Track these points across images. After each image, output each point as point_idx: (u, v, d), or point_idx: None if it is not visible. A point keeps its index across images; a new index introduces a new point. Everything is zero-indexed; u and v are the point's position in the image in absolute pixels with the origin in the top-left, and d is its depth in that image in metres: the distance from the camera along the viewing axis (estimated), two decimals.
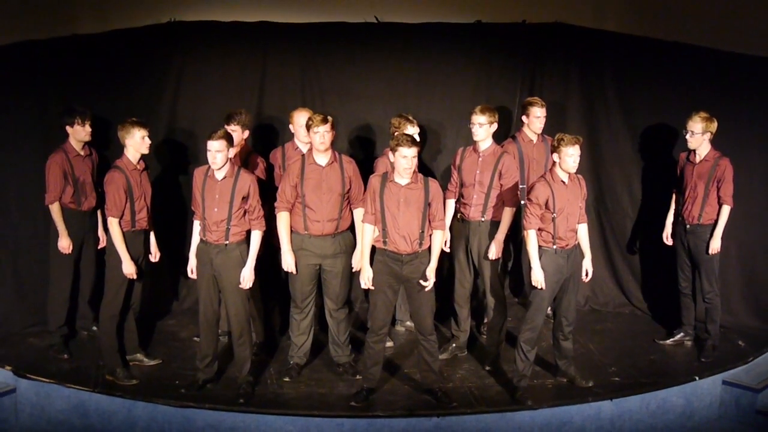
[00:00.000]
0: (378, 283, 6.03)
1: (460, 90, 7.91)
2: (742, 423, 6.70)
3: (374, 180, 6.04)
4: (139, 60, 7.50)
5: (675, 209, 7.07)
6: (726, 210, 6.77)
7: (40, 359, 6.67)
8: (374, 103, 7.86)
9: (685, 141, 6.90)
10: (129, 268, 6.30)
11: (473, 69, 7.90)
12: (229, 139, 6.03)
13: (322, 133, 6.19)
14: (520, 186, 6.93)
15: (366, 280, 6.05)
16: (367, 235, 6.05)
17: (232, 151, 6.16)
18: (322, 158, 6.30)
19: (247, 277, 6.13)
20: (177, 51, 7.62)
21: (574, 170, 6.05)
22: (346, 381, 6.53)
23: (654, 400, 6.52)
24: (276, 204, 6.41)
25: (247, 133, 6.86)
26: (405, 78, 7.87)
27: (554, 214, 6.03)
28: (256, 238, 6.17)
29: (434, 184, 6.03)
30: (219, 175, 6.06)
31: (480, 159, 6.59)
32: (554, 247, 6.10)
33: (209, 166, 6.08)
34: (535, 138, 7.18)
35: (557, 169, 6.06)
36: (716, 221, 6.79)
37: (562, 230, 6.08)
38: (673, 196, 7.10)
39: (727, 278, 7.40)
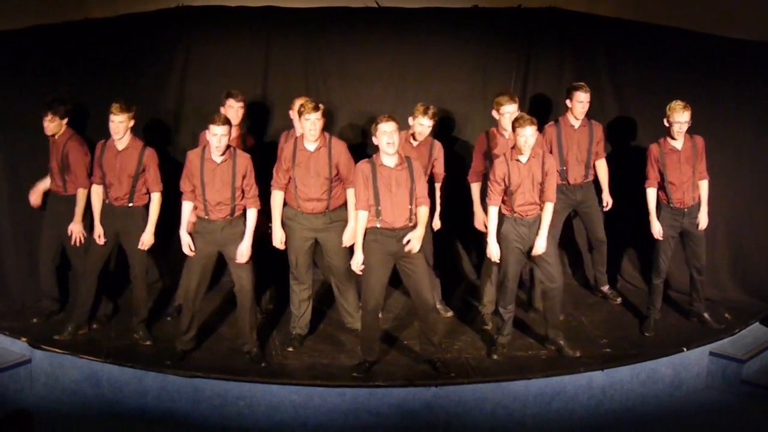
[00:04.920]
0: (372, 263, 5.93)
1: (457, 72, 7.80)
2: (728, 392, 6.68)
3: (364, 166, 5.95)
4: (147, 43, 7.40)
5: (658, 201, 6.78)
6: (707, 184, 6.73)
7: (54, 331, 6.58)
8: (374, 84, 7.76)
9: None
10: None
11: (470, 52, 7.79)
12: (229, 122, 5.97)
13: (313, 121, 6.10)
14: (559, 168, 6.88)
15: (357, 266, 5.95)
16: (361, 221, 5.94)
17: (234, 130, 6.07)
18: (311, 143, 6.22)
19: (244, 253, 6.07)
20: (184, 34, 7.52)
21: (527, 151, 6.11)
22: (347, 352, 6.48)
23: (643, 370, 6.49)
24: (272, 182, 6.38)
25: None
26: (404, 60, 7.76)
27: (510, 189, 6.15)
28: (252, 215, 6.12)
29: (417, 164, 6.03)
30: (217, 157, 5.98)
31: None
32: (514, 215, 6.21)
33: (203, 149, 6.03)
34: (577, 123, 7.02)
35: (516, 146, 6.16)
36: (699, 198, 6.74)
37: (518, 203, 6.18)
38: (651, 191, 6.73)
39: (715, 254, 7.33)
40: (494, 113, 6.68)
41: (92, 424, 6.14)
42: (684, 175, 6.66)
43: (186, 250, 6.18)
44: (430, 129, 6.63)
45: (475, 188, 6.86)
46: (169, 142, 7.59)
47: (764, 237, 7.39)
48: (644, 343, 6.71)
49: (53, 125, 6.54)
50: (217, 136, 5.88)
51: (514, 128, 6.06)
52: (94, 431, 6.12)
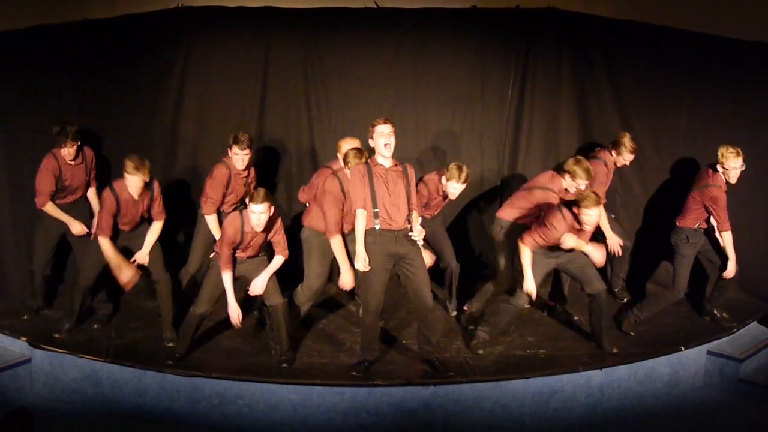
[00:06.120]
0: (372, 264, 5.88)
1: (456, 72, 7.78)
2: (726, 391, 6.67)
3: (362, 167, 5.92)
4: (147, 43, 7.35)
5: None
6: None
7: (54, 330, 6.54)
8: (374, 84, 7.74)
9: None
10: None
11: (469, 52, 7.77)
12: (271, 197, 5.91)
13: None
14: None
15: (361, 265, 5.90)
16: (360, 220, 5.88)
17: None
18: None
19: (260, 285, 6.12)
20: (184, 35, 7.47)
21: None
22: (346, 351, 6.46)
23: (642, 369, 6.47)
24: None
25: None
26: (403, 61, 7.74)
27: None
28: (278, 261, 6.17)
29: (411, 169, 6.02)
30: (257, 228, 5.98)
31: None
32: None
33: (241, 213, 6.00)
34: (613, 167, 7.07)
35: None
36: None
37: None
38: (729, 234, 6.72)
39: None
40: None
41: (92, 422, 6.12)
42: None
43: (236, 320, 6.14)
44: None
45: None
46: (168, 142, 7.57)
47: (761, 236, 7.37)
48: (642, 342, 6.68)
49: (74, 149, 6.54)
50: (255, 214, 5.84)
51: (580, 205, 5.95)
52: (94, 430, 6.09)
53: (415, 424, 6.07)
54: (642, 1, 7.58)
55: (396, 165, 5.94)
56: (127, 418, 6.14)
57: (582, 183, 6.47)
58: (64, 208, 6.64)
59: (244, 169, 6.66)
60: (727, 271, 6.74)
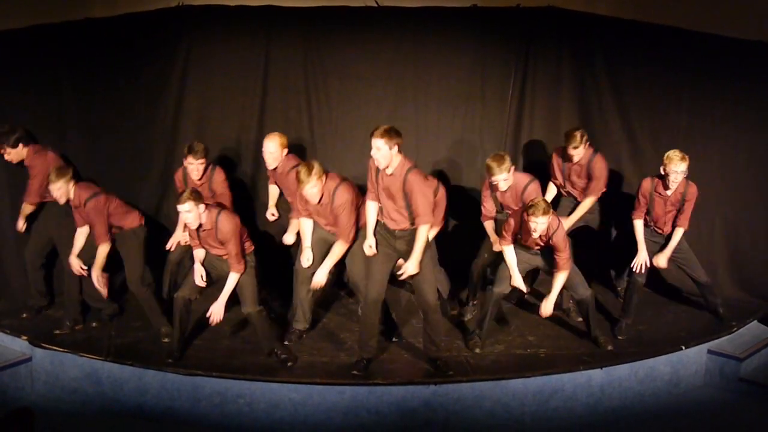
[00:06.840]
0: (375, 254, 5.91)
1: (456, 71, 7.74)
2: (726, 390, 6.67)
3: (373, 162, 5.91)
4: (147, 42, 7.34)
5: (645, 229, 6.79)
6: (681, 232, 6.65)
7: (54, 329, 6.56)
8: (374, 84, 7.70)
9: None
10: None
11: (469, 51, 7.73)
12: (196, 197, 5.89)
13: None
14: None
15: (369, 248, 5.92)
16: (369, 209, 5.93)
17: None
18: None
19: (215, 312, 6.09)
20: (184, 34, 7.45)
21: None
22: (347, 350, 6.46)
23: (642, 368, 6.47)
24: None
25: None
26: (404, 60, 7.70)
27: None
28: (231, 281, 6.06)
29: (412, 176, 5.68)
30: (199, 226, 6.01)
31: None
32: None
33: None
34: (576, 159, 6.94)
35: None
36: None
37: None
38: (638, 223, 6.72)
39: (712, 252, 7.33)
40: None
41: (93, 421, 6.12)
42: (667, 214, 6.66)
43: (199, 281, 6.18)
44: None
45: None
46: (168, 141, 7.56)
47: (761, 235, 7.36)
48: (643, 341, 6.68)
49: (14, 154, 6.55)
50: (181, 214, 5.95)
51: (528, 212, 5.96)
52: (95, 429, 6.08)
53: (416, 424, 6.06)
54: (642, 1, 7.57)
55: (397, 174, 5.73)
56: (128, 417, 6.13)
57: (494, 178, 6.43)
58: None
59: (200, 179, 6.59)
60: (634, 260, 6.71)
